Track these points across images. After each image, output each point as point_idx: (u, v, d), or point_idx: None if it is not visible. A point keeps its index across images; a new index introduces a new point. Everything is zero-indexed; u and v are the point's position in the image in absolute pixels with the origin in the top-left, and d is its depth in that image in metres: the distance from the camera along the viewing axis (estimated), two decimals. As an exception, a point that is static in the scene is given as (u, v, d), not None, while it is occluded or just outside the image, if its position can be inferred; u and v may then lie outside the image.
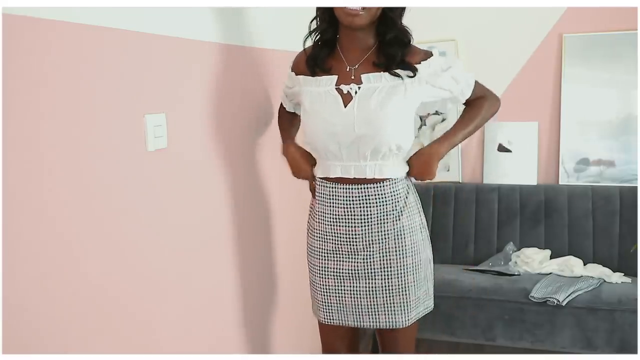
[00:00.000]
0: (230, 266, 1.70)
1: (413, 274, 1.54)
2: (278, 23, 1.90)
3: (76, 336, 1.13)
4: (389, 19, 1.45)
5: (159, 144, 1.34)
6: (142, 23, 1.27)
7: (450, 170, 3.04)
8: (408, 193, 1.55)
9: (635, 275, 2.49)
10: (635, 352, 2.24)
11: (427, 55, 1.51)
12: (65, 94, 1.08)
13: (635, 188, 2.67)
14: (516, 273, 2.56)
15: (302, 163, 1.62)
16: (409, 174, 1.57)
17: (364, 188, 1.50)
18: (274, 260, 1.98)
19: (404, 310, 1.54)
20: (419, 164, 1.55)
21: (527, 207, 2.82)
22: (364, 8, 1.39)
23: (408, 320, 1.55)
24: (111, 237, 1.21)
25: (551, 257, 2.69)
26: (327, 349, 1.73)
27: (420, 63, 1.48)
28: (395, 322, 1.55)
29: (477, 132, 3.02)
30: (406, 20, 1.50)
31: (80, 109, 1.11)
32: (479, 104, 1.61)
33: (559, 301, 2.31)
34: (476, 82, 1.60)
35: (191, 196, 1.49)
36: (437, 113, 3.05)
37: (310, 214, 1.66)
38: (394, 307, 1.54)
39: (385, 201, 1.51)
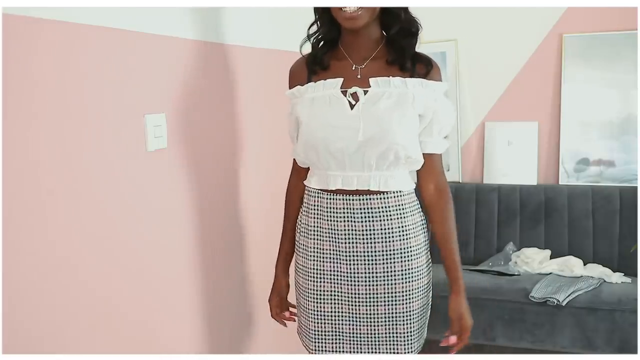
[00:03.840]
0: (230, 266, 1.70)
1: (419, 299, 1.41)
2: (280, 23, 1.90)
3: (76, 336, 1.13)
4: (392, 12, 1.33)
5: (158, 144, 1.34)
6: (142, 23, 1.27)
7: (450, 170, 3.04)
8: (415, 209, 1.41)
9: (635, 275, 2.49)
10: (635, 352, 2.24)
11: (437, 77, 1.37)
12: (65, 94, 1.08)
13: (635, 188, 2.67)
14: (516, 273, 2.57)
15: (276, 303, 1.56)
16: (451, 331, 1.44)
17: (367, 199, 1.33)
18: (272, 261, 1.98)
19: (407, 340, 1.40)
20: (457, 326, 1.43)
21: (527, 207, 2.83)
22: (361, 8, 1.28)
23: (411, 350, 1.41)
24: (111, 237, 1.21)
25: (551, 257, 2.69)
26: None
27: (432, 79, 1.35)
28: (397, 353, 1.40)
29: (478, 132, 3.05)
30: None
31: (80, 109, 1.11)
32: (443, 221, 1.42)
33: (559, 301, 2.31)
34: (441, 155, 1.42)
35: (191, 196, 1.49)
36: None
37: (300, 231, 1.46)
38: (397, 337, 1.39)
39: (390, 215, 1.35)
